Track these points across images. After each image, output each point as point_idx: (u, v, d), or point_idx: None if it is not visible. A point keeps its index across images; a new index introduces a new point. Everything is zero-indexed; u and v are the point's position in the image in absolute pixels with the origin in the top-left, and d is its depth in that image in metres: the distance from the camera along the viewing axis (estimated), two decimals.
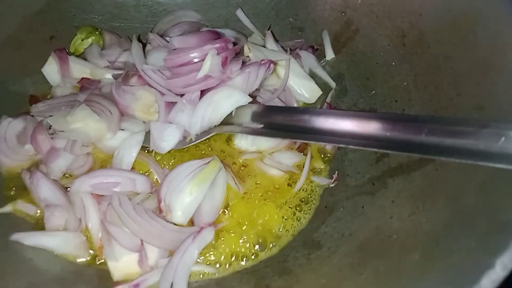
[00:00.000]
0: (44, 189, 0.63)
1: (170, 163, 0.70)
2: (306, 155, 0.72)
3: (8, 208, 0.64)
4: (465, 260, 0.40)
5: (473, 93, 0.58)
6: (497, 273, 0.34)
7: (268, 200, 0.68)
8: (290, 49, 0.82)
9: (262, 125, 0.63)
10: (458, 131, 0.47)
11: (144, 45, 0.79)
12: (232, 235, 0.64)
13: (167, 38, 0.77)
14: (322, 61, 0.84)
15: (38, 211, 0.65)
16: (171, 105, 0.69)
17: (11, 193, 0.67)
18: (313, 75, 0.82)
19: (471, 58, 0.60)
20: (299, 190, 0.69)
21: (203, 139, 0.68)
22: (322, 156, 0.75)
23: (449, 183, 0.54)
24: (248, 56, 0.74)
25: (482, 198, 0.47)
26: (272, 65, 0.70)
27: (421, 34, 0.69)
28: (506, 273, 0.34)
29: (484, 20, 0.58)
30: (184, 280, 0.56)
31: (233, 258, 0.62)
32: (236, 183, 0.68)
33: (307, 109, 0.75)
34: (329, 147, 0.75)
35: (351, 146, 0.57)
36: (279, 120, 0.63)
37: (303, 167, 0.70)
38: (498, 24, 0.56)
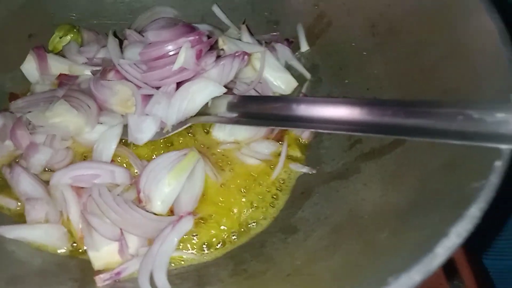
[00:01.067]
0: (25, 183, 0.64)
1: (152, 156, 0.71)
2: (282, 144, 0.74)
3: None
4: (428, 234, 0.41)
5: (441, 79, 0.60)
6: (451, 240, 0.36)
7: (245, 188, 0.70)
8: (265, 42, 0.84)
9: (237, 114, 0.65)
10: (420, 112, 0.49)
11: (121, 41, 0.80)
12: (211, 223, 0.66)
13: (143, 33, 0.79)
14: (297, 53, 0.86)
15: (19, 205, 0.66)
16: (147, 98, 0.70)
17: None
18: (288, 67, 0.84)
19: (438, 44, 0.62)
20: (276, 178, 0.71)
21: (180, 129, 0.69)
22: (298, 145, 0.77)
23: (416, 164, 0.56)
24: (222, 49, 0.76)
25: (445, 178, 0.49)
26: (246, 56, 0.72)
27: (390, 23, 0.71)
28: (460, 240, 0.36)
29: (451, 7, 0.60)
30: (163, 267, 0.57)
31: (212, 245, 0.64)
32: (214, 173, 0.70)
33: (281, 97, 0.77)
34: (305, 135, 0.77)
35: (325, 131, 0.60)
36: (254, 109, 0.64)
37: (280, 156, 0.72)
38: (465, 10, 0.58)
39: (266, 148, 0.75)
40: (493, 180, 0.41)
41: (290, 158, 0.74)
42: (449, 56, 0.60)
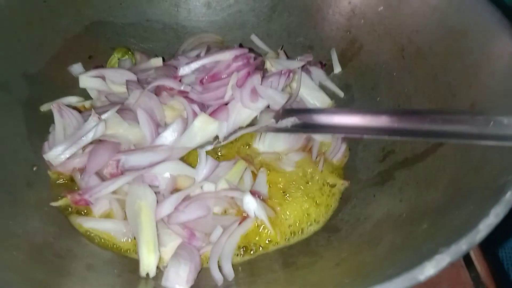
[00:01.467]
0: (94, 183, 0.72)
1: None
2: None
3: (60, 202, 0.72)
4: (466, 220, 0.48)
5: (465, 94, 0.68)
6: (491, 219, 0.43)
7: (288, 194, 0.77)
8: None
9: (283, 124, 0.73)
10: (456, 119, 0.57)
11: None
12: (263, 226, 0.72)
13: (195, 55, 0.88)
14: (331, 74, 0.94)
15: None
16: (195, 113, 0.79)
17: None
18: (323, 87, 0.92)
19: (463, 65, 0.70)
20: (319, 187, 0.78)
21: (232, 139, 0.77)
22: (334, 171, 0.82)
23: (447, 168, 0.63)
24: (270, 71, 0.84)
25: (476, 176, 0.56)
26: (291, 74, 0.80)
27: (418, 47, 0.79)
28: (498, 220, 0.43)
29: (472, 32, 0.69)
30: (229, 257, 0.66)
31: (266, 243, 0.71)
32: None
33: (321, 108, 0.85)
34: (337, 157, 0.83)
35: (364, 136, 0.67)
36: (300, 119, 0.72)
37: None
38: (485, 35, 0.67)
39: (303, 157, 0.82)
40: None
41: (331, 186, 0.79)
42: (473, 74, 0.68)
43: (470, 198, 0.52)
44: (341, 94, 0.91)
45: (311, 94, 0.90)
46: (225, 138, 0.77)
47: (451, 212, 0.54)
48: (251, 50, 0.87)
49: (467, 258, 0.73)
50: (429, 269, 0.40)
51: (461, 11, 0.72)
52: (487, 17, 0.68)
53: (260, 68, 0.82)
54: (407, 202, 0.65)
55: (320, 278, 0.57)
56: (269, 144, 0.83)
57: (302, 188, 0.77)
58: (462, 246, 0.41)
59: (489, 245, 0.74)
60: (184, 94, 0.78)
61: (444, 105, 0.72)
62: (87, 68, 0.91)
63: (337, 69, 0.93)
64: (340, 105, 0.90)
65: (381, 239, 0.60)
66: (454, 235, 0.45)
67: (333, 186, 0.78)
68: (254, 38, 1.00)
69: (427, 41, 0.78)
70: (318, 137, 0.83)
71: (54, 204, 0.71)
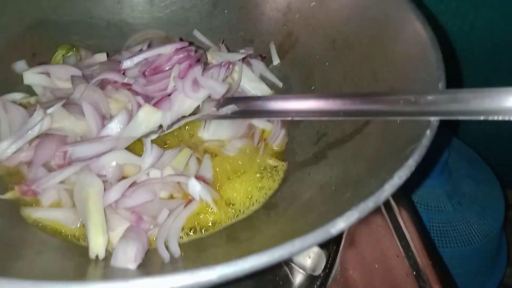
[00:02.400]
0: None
1: None
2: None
3: (8, 195, 0.74)
4: (378, 185, 0.55)
5: (386, 80, 0.75)
6: (394, 180, 0.50)
7: (232, 178, 0.82)
8: (242, 59, 0.99)
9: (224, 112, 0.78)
10: (372, 100, 0.64)
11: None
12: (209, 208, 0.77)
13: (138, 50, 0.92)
14: (270, 66, 1.00)
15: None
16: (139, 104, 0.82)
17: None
18: (263, 78, 0.98)
19: (383, 53, 0.77)
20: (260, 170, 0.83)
21: (175, 127, 0.81)
22: (274, 155, 0.89)
23: (370, 145, 0.70)
24: (211, 63, 0.89)
25: (392, 148, 0.63)
26: (231, 65, 0.85)
27: (347, 38, 0.86)
28: (401, 181, 0.50)
29: (391, 23, 0.76)
30: (175, 237, 0.69)
31: (210, 224, 0.75)
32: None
33: (257, 96, 0.91)
34: (276, 143, 0.89)
35: (299, 118, 0.73)
36: (239, 107, 0.78)
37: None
38: (402, 24, 0.74)
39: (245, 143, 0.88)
40: (425, 142, 0.55)
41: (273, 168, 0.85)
42: (392, 61, 0.75)
43: (385, 168, 0.59)
44: (280, 84, 0.97)
45: (252, 85, 0.95)
46: (169, 126, 0.81)
47: (369, 182, 0.60)
48: (192, 44, 0.91)
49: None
50: (340, 224, 0.46)
51: (381, 4, 0.80)
52: (403, 8, 0.76)
53: (201, 60, 0.87)
54: (336, 178, 0.71)
55: (258, 247, 0.62)
56: (213, 132, 0.87)
57: (245, 171, 0.83)
58: (369, 203, 0.48)
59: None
60: (127, 86, 0.81)
61: (368, 90, 0.79)
62: (31, 65, 0.92)
63: (276, 61, 0.99)
64: (279, 94, 0.96)
65: (313, 210, 0.66)
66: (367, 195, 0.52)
67: (273, 168, 0.83)
68: (196, 33, 1.04)
69: (354, 33, 0.85)
70: (259, 124, 0.89)
71: (1, 196, 0.73)
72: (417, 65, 0.70)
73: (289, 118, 0.79)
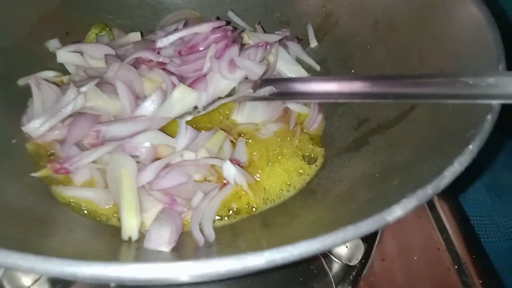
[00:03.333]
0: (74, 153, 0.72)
1: None
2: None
3: (40, 173, 0.72)
4: (433, 171, 0.51)
5: (434, 62, 0.71)
6: (455, 167, 0.46)
7: (267, 162, 0.79)
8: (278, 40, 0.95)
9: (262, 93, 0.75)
10: (425, 82, 0.60)
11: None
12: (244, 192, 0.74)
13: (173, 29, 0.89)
14: (307, 49, 0.96)
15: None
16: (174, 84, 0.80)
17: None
18: (299, 61, 0.94)
19: (431, 34, 0.72)
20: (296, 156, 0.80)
21: (210, 108, 0.78)
22: (311, 140, 0.85)
23: (418, 131, 0.66)
24: (248, 43, 0.86)
25: (444, 134, 0.59)
26: (268, 46, 0.82)
27: (391, 20, 0.82)
28: (462, 168, 0.46)
29: (442, 2, 0.72)
30: (210, 220, 0.67)
31: (245, 207, 0.73)
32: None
33: (297, 77, 0.87)
34: (313, 127, 0.86)
35: (340, 100, 0.69)
36: (277, 88, 0.74)
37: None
38: (452, 4, 0.70)
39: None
40: (487, 127, 0.51)
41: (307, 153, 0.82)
42: (441, 42, 0.71)
43: (438, 153, 0.55)
44: (317, 67, 0.93)
45: (288, 68, 0.91)
46: (204, 108, 0.78)
47: (420, 168, 0.56)
48: (229, 23, 0.88)
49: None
50: (396, 211, 0.42)
51: None
52: None
53: (238, 41, 0.83)
54: (380, 164, 0.68)
55: (296, 233, 0.59)
56: (247, 115, 0.84)
57: (280, 156, 0.79)
58: (428, 190, 0.44)
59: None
60: (162, 66, 0.79)
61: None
62: (64, 43, 0.91)
63: (313, 43, 0.95)
64: None
65: (356, 197, 0.63)
66: (421, 183, 0.48)
67: (310, 154, 0.80)
68: (231, 14, 1.01)
69: (399, 14, 0.80)
70: (295, 108, 0.85)
71: (34, 174, 0.72)
72: (470, 46, 0.65)
73: (332, 100, 0.75)
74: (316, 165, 0.78)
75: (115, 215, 0.71)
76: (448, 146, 0.55)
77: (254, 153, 0.80)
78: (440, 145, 0.57)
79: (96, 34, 0.92)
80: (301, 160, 0.79)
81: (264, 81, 0.77)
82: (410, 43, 0.77)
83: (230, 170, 0.72)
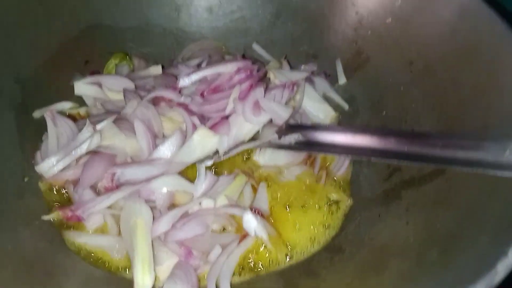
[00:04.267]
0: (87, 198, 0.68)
1: None
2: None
3: (52, 216, 0.69)
4: (481, 253, 0.45)
5: (477, 114, 0.65)
6: (510, 259, 0.40)
7: (289, 211, 0.74)
8: None
9: (288, 141, 0.70)
10: (470, 145, 0.54)
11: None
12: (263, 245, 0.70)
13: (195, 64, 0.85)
14: (335, 85, 0.91)
15: None
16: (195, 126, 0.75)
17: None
18: (326, 98, 0.89)
19: (474, 82, 0.67)
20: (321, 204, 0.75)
21: (232, 154, 0.74)
22: (340, 186, 0.80)
23: (459, 193, 0.60)
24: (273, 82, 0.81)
25: (490, 203, 0.53)
26: (295, 87, 0.77)
27: (428, 61, 0.76)
28: None
29: (484, 48, 0.66)
30: (227, 277, 0.63)
31: (266, 262, 0.68)
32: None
33: (326, 125, 0.82)
34: (340, 172, 0.80)
35: (372, 159, 0.64)
36: (304, 136, 0.69)
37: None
38: (497, 50, 0.64)
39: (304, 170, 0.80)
40: None
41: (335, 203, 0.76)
42: (483, 93, 0.65)
43: (484, 228, 0.50)
44: (345, 106, 0.88)
45: (315, 106, 0.87)
46: (226, 153, 0.73)
47: (464, 242, 0.51)
48: (255, 62, 0.84)
49: None
50: None
51: (473, 26, 0.70)
52: (500, 32, 0.65)
53: (263, 80, 0.79)
54: (414, 225, 0.62)
55: None
56: (269, 157, 0.80)
57: (304, 204, 0.75)
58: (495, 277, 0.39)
59: None
60: (183, 106, 0.75)
61: (453, 124, 0.69)
62: (83, 73, 0.88)
63: (342, 80, 0.90)
64: (345, 118, 0.87)
65: (388, 265, 0.58)
66: (468, 270, 0.43)
67: (336, 203, 0.75)
68: (256, 47, 0.97)
69: (437, 56, 0.75)
70: None
71: (45, 217, 0.68)
72: None
73: (365, 158, 0.69)
74: (343, 217, 0.73)
75: (127, 268, 0.66)
76: (496, 221, 0.49)
77: (276, 200, 0.75)
78: (486, 217, 0.51)
79: (115, 64, 0.89)
80: (327, 210, 0.74)
81: (290, 127, 0.72)
82: (449, 88, 0.71)
83: (250, 222, 0.67)
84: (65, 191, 0.73)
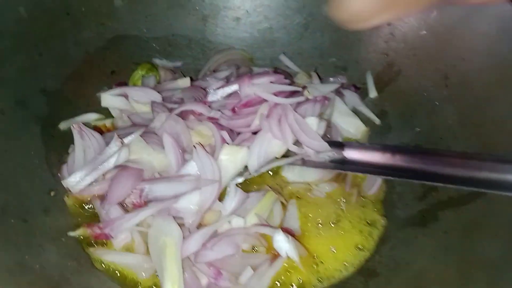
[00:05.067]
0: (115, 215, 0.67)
1: None
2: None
3: (78, 232, 0.67)
4: None
5: None
6: None
7: (320, 230, 0.72)
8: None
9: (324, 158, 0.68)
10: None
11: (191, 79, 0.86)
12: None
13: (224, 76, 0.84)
14: (365, 99, 0.88)
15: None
16: (224, 140, 0.74)
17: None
18: (356, 112, 0.87)
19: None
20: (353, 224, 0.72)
21: (263, 171, 0.72)
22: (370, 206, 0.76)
23: (501, 215, 0.58)
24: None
25: None
26: (326, 101, 0.75)
27: (464, 76, 0.74)
28: None
29: None
30: None
31: (297, 284, 0.66)
32: None
33: (363, 144, 0.79)
34: (372, 191, 0.77)
35: (412, 181, 0.61)
36: (339, 154, 0.67)
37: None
38: None
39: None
40: None
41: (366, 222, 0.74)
42: None
43: None
44: (376, 120, 0.86)
45: (345, 120, 0.84)
46: (256, 170, 0.71)
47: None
48: (287, 76, 0.81)
49: None
50: None
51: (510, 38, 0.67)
52: None
53: (295, 96, 0.76)
54: (455, 250, 0.60)
55: None
56: (299, 173, 0.78)
57: (335, 223, 0.72)
58: None
59: None
60: (213, 120, 0.73)
61: (491, 142, 0.66)
62: (109, 83, 0.87)
63: (373, 93, 0.88)
64: (375, 133, 0.85)
65: None
66: None
67: (370, 223, 0.72)
68: (283, 58, 0.95)
69: (474, 70, 0.73)
70: None
71: (72, 234, 0.67)
72: None
73: (402, 180, 0.66)
74: (377, 238, 0.70)
75: (155, 285, 0.65)
76: None
77: (307, 218, 0.73)
78: None
79: (142, 76, 0.88)
80: (361, 230, 0.71)
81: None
82: (487, 106, 0.69)
83: (281, 242, 0.65)
84: (91, 207, 0.72)
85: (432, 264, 0.61)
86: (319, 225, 0.72)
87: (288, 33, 0.95)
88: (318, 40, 0.93)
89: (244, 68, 0.88)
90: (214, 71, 0.91)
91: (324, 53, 0.94)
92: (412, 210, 0.71)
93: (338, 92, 0.87)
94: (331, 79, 0.91)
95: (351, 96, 0.88)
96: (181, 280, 0.60)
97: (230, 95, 0.76)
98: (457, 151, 0.67)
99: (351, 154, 0.67)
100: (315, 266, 0.67)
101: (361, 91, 0.89)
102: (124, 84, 0.87)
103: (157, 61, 0.93)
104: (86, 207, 0.72)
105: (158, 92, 0.82)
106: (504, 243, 0.54)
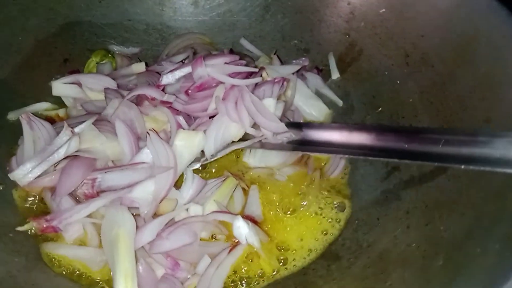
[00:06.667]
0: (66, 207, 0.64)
1: None
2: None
3: (27, 227, 0.64)
4: (492, 262, 0.42)
5: (478, 107, 0.61)
6: None
7: (282, 215, 0.70)
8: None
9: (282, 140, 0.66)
10: (474, 141, 0.50)
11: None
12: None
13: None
14: (328, 81, 0.87)
15: None
16: (179, 125, 0.71)
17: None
18: (319, 95, 0.85)
19: (474, 74, 0.63)
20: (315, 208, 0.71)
21: (220, 155, 0.69)
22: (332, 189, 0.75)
23: (464, 193, 0.56)
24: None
25: (499, 204, 0.49)
26: (285, 82, 0.73)
27: (424, 53, 0.72)
28: None
29: (484, 38, 0.63)
30: None
31: (258, 272, 0.64)
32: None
33: (320, 123, 0.77)
34: (335, 174, 0.75)
35: (369, 158, 0.60)
36: (297, 135, 0.65)
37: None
38: (498, 41, 0.61)
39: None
40: None
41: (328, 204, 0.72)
42: (483, 85, 0.61)
43: (494, 233, 0.46)
44: (339, 102, 0.84)
45: (307, 103, 0.83)
46: (213, 155, 0.69)
47: (471, 248, 0.47)
48: (244, 57, 0.79)
49: None
50: None
51: (472, 15, 0.66)
52: (501, 20, 0.62)
53: (253, 77, 0.74)
54: (416, 230, 0.58)
55: None
56: (260, 158, 0.76)
57: (296, 208, 0.70)
58: None
59: None
60: (167, 105, 0.70)
61: (454, 118, 0.65)
62: (62, 72, 0.83)
63: (335, 75, 0.86)
64: (339, 115, 0.83)
65: (390, 273, 0.54)
66: (478, 283, 0.39)
67: (331, 206, 0.71)
68: (244, 42, 0.92)
69: (434, 47, 0.71)
70: None
71: (20, 228, 0.63)
72: None
73: (360, 157, 0.65)
74: (338, 222, 0.69)
75: (107, 278, 0.62)
76: (507, 225, 0.45)
77: (270, 204, 0.71)
78: (495, 220, 0.48)
79: (96, 62, 0.84)
80: (322, 215, 0.69)
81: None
82: (448, 82, 0.68)
83: (241, 228, 0.63)
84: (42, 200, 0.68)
85: (395, 245, 0.59)
86: (282, 210, 0.70)
87: (248, 16, 0.92)
88: (280, 22, 0.91)
89: (202, 51, 0.85)
90: (172, 56, 0.88)
91: (285, 36, 0.92)
92: (376, 191, 0.70)
93: (300, 75, 0.85)
94: (294, 61, 0.89)
95: (314, 79, 0.86)
96: (134, 273, 0.57)
97: (184, 79, 0.73)
98: (415, 127, 0.66)
99: (310, 134, 0.65)
100: (277, 252, 0.65)
101: (324, 73, 0.87)
102: (78, 72, 0.83)
103: (113, 47, 0.90)
104: (36, 200, 0.68)
105: (113, 78, 0.78)
106: (466, 221, 0.52)
